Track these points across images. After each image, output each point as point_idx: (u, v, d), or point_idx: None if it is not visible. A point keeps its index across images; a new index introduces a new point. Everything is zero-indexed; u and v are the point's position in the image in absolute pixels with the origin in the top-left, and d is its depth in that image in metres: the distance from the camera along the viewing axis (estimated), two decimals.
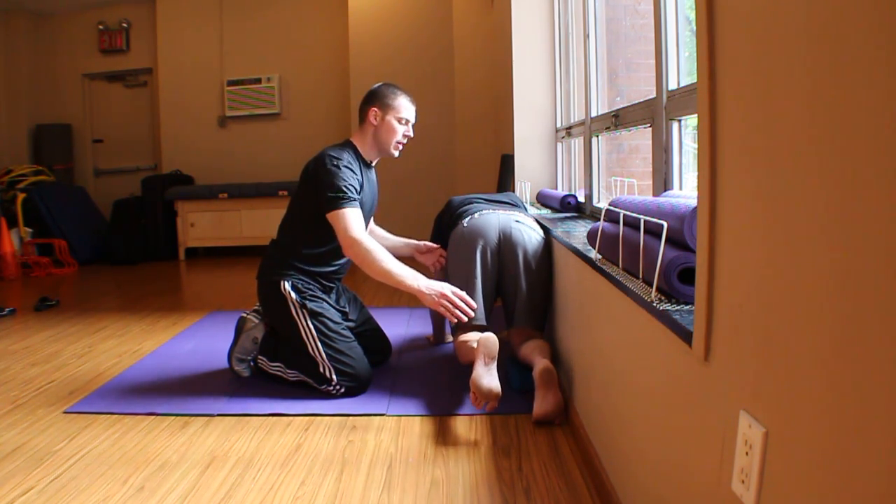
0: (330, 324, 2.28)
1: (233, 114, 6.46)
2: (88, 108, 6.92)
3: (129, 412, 2.12)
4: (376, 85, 2.42)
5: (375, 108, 2.34)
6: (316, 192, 2.23)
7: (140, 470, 1.71)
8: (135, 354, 2.85)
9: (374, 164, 2.46)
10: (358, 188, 2.26)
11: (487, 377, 1.89)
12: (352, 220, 2.17)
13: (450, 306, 2.06)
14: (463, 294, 2.09)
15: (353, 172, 2.27)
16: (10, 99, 6.55)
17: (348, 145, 2.38)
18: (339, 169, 2.22)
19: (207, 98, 6.50)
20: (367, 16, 5.84)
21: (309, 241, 2.33)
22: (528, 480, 1.61)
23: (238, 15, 6.44)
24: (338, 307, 2.42)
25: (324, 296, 2.36)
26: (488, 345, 1.93)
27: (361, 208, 2.26)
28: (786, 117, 0.67)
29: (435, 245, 2.58)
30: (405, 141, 2.42)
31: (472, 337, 2.12)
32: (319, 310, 2.28)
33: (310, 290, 2.31)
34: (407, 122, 2.39)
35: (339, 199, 2.18)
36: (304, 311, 2.27)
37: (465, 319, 2.06)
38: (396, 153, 2.43)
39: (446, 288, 2.09)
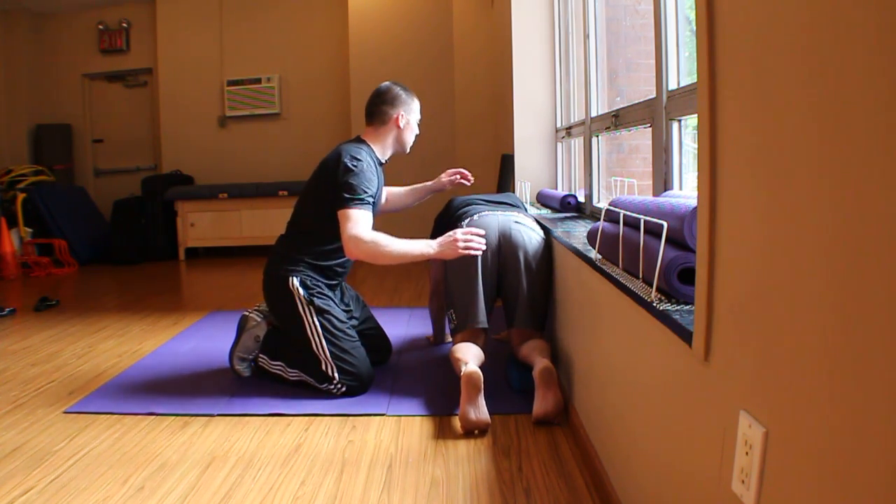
0: (336, 322, 2.28)
1: (233, 114, 6.46)
2: (88, 108, 6.92)
3: (129, 412, 2.12)
4: (390, 85, 2.46)
5: (403, 112, 2.42)
6: (333, 188, 2.25)
7: (140, 470, 1.71)
8: (135, 354, 2.85)
9: (385, 162, 2.49)
10: (374, 191, 2.30)
11: (474, 411, 1.90)
12: (360, 220, 2.21)
13: (469, 245, 2.18)
14: (469, 230, 2.21)
15: (373, 175, 2.30)
16: (10, 99, 6.55)
17: (364, 144, 2.40)
18: (362, 171, 2.25)
19: (207, 98, 6.50)
20: (367, 16, 5.84)
21: (320, 235, 2.34)
22: (528, 480, 1.61)
23: (238, 15, 6.44)
24: (343, 306, 2.43)
25: (330, 293, 2.36)
26: (472, 380, 1.93)
27: (373, 208, 2.30)
28: (786, 117, 0.67)
29: (446, 174, 2.71)
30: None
31: (462, 356, 2.09)
32: (326, 307, 2.29)
33: (317, 286, 2.31)
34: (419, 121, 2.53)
35: (353, 200, 2.21)
36: (311, 307, 2.27)
37: (484, 248, 2.20)
38: (409, 150, 2.56)
39: (456, 234, 2.20)
